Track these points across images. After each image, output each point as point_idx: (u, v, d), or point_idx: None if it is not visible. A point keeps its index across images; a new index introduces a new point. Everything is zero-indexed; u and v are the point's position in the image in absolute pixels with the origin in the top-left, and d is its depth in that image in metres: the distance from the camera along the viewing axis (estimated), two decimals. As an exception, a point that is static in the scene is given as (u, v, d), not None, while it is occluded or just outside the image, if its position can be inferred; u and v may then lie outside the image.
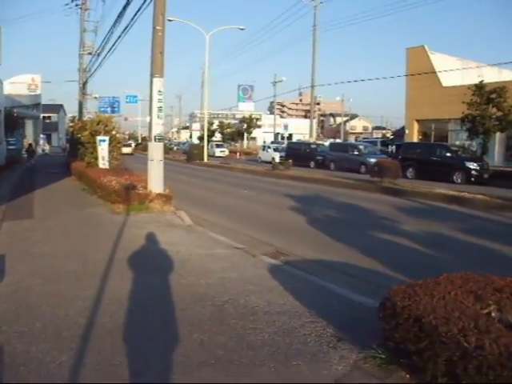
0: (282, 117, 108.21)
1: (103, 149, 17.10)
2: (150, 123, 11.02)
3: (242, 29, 34.39)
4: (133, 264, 6.17)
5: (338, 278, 6.39)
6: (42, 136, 55.56)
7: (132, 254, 6.69)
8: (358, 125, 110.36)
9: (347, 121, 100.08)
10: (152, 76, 10.94)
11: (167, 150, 50.53)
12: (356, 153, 28.62)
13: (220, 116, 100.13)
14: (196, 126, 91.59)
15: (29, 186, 16.39)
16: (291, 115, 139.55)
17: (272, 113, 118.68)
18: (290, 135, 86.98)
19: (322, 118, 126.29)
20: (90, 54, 31.59)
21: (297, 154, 32.72)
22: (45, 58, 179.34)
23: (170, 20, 34.04)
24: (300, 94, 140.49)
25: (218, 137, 58.08)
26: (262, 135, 78.00)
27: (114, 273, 5.79)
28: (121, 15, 19.10)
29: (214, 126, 60.50)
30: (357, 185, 18.64)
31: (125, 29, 19.25)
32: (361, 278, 6.52)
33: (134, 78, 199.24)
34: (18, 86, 46.63)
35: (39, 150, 51.98)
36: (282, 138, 70.39)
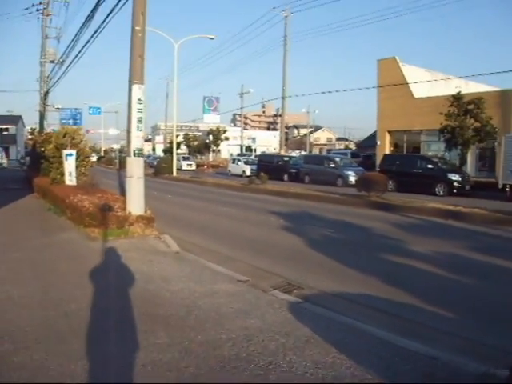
0: (245, 129, 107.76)
1: (70, 164, 15.64)
2: (129, 136, 9.77)
3: (212, 38, 33.36)
4: (126, 316, 4.88)
5: (371, 315, 5.49)
6: (-1, 149, 53.00)
7: (122, 301, 5.41)
8: (321, 136, 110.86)
9: (311, 132, 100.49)
10: (131, 82, 9.72)
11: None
12: (332, 165, 27.87)
13: (184, 128, 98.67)
14: (160, 138, 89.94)
15: (-15, 206, 14.81)
16: (254, 127, 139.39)
17: (235, 125, 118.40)
18: (251, 148, 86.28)
19: (285, 130, 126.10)
20: (52, 62, 29.91)
21: (269, 166, 31.74)
22: (1, 67, 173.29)
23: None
24: (263, 106, 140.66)
25: (183, 149, 56.71)
26: (227, 147, 77.06)
27: (105, 332, 4.52)
28: (89, 18, 17.71)
29: (180, 139, 59.02)
30: (343, 199, 17.73)
31: (94, 33, 17.92)
32: (395, 314, 5.62)
33: (97, 89, 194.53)
34: (-27, 96, 44.29)
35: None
36: (249, 150, 69.70)
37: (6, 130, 62.01)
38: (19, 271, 6.75)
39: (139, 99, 9.71)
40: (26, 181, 24.91)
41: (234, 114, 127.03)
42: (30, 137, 64.88)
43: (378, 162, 34.67)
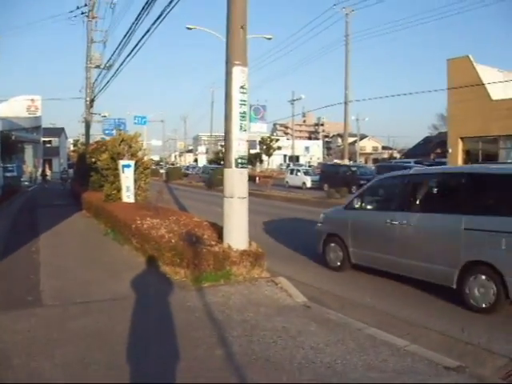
0: (287, 139, 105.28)
1: (128, 177, 13.03)
2: (227, 138, 6.93)
3: (269, 38, 30.55)
4: None
5: None
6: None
7: None
8: (367, 145, 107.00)
9: (355, 141, 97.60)
10: (229, 64, 6.93)
11: (181, 174, 46.46)
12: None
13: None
14: (202, 148, 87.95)
15: (30, 228, 12.31)
16: (295, 137, 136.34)
17: (276, 134, 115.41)
18: (297, 157, 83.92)
19: (326, 139, 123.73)
20: (98, 67, 27.75)
21: (333, 177, 28.66)
22: (45, 74, 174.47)
23: (189, 28, 30.46)
24: (304, 115, 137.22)
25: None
26: (271, 158, 74.43)
27: None
28: (138, 18, 15.07)
29: (219, 148, 56.83)
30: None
31: (141, 38, 15.40)
32: None
33: (140, 97, 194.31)
34: (17, 107, 42.79)
35: (40, 177, 47.95)
36: (294, 160, 66.84)
37: (49, 142, 60.78)
38: (89, 358, 3.96)
39: (242, 87, 6.89)
40: (72, 195, 22.59)
41: (275, 124, 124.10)
42: (72, 149, 63.80)
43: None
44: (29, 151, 47.12)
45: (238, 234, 6.87)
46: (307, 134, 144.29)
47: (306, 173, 33.19)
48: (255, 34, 32.08)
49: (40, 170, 50.18)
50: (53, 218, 14.32)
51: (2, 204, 18.81)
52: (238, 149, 6.88)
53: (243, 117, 6.92)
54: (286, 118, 57.87)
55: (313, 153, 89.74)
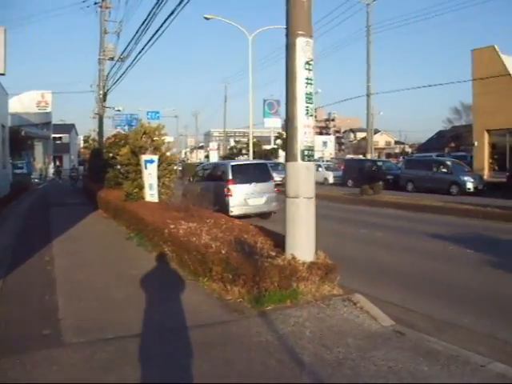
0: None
1: (151, 173, 11.69)
2: (290, 125, 5.54)
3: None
4: None
5: None
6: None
7: None
8: (380, 140, 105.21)
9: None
10: (290, 36, 5.52)
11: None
12: (444, 170, 23.08)
13: (237, 134, 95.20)
14: (214, 144, 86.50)
15: (41, 232, 11.02)
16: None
17: (286, 130, 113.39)
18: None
19: (337, 135, 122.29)
20: (111, 59, 26.46)
21: (358, 173, 27.23)
22: (56, 67, 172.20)
23: (206, 18, 28.98)
24: (314, 111, 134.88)
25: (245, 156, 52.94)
26: (282, 153, 73.05)
27: None
28: (158, 4, 13.71)
29: (232, 145, 55.44)
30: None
31: (157, 30, 14.11)
32: None
33: (151, 94, 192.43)
34: (27, 102, 41.65)
35: (50, 174, 46.89)
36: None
37: (60, 138, 59.63)
38: None
39: (308, 62, 5.49)
40: (85, 194, 21.34)
41: (285, 119, 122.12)
42: (83, 145, 62.70)
43: (475, 164, 30.02)
44: (39, 148, 46.08)
45: (304, 243, 5.48)
46: (318, 130, 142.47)
47: (328, 168, 31.73)
48: (272, 26, 30.72)
49: (50, 166, 49.26)
50: (66, 219, 13.06)
51: (11, 203, 17.53)
52: (305, 138, 5.48)
53: (310, 99, 5.50)
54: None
55: (322, 148, 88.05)
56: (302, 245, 5.48)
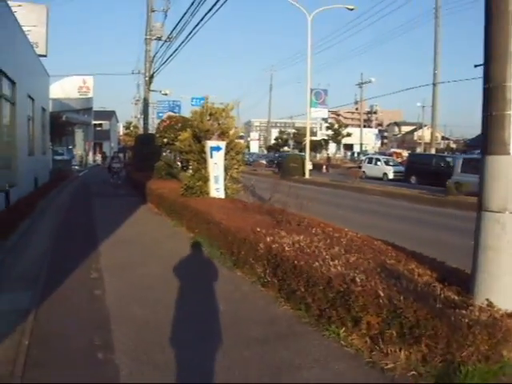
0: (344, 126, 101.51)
1: (216, 163, 9.56)
2: (502, 97, 3.25)
3: (351, 9, 26.55)
4: None
5: None
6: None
7: None
8: (426, 134, 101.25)
9: (415, 130, 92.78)
10: None
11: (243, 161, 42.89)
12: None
13: (279, 125, 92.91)
14: (255, 135, 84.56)
15: (85, 232, 9.05)
16: (348, 125, 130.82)
17: (327, 121, 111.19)
18: (351, 145, 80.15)
19: (379, 128, 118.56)
20: (159, 38, 24.54)
21: (424, 169, 24.54)
22: (98, 50, 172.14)
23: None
24: (356, 103, 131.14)
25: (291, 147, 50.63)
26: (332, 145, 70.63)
27: None
28: None
29: (275, 135, 52.97)
30: None
31: (208, 11, 12.07)
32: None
33: (192, 81, 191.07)
34: (68, 87, 40.26)
35: (90, 161, 45.67)
36: (350, 148, 62.44)
37: (100, 125, 58.54)
38: None
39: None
40: (130, 184, 19.42)
41: (328, 111, 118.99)
42: (125, 132, 61.49)
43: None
44: (79, 134, 44.88)
45: (509, 283, 3.24)
46: (359, 122, 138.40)
47: (387, 162, 29.10)
48: (336, 5, 28.18)
49: (90, 153, 48.26)
50: (112, 214, 11.13)
51: (50, 193, 15.67)
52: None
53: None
54: (347, 104, 53.40)
55: (366, 141, 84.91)
56: (507, 286, 3.21)
